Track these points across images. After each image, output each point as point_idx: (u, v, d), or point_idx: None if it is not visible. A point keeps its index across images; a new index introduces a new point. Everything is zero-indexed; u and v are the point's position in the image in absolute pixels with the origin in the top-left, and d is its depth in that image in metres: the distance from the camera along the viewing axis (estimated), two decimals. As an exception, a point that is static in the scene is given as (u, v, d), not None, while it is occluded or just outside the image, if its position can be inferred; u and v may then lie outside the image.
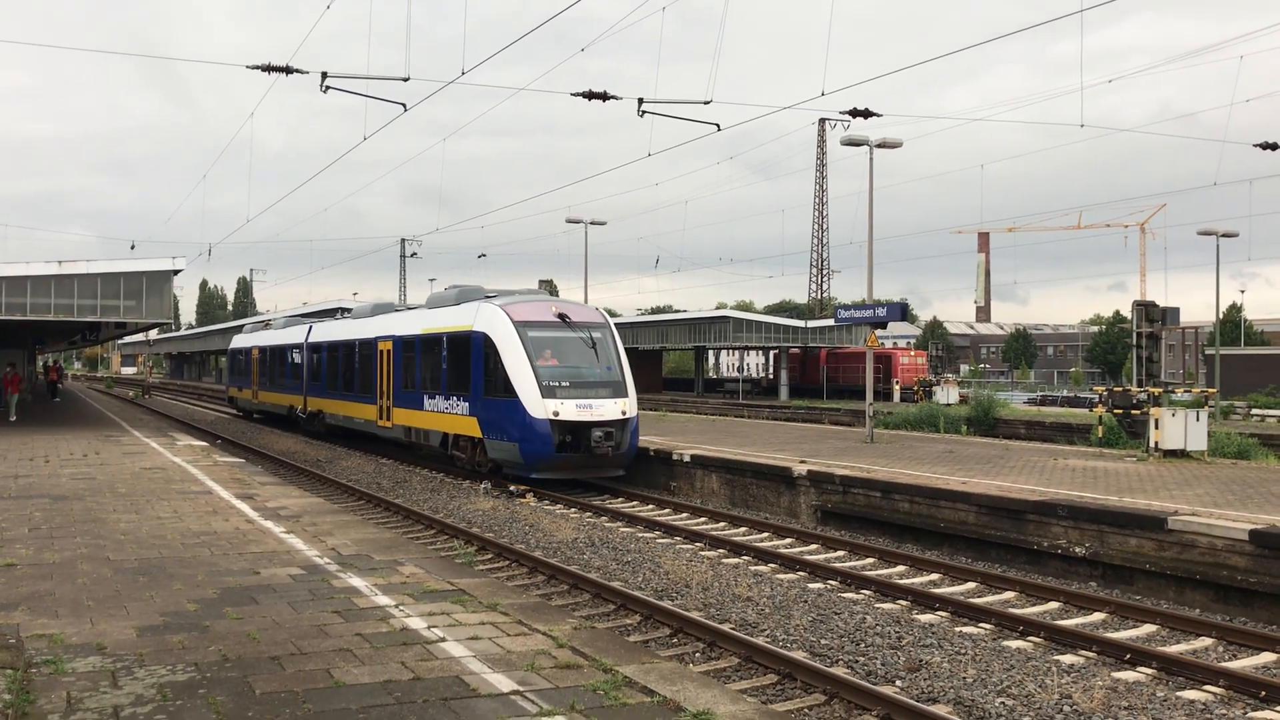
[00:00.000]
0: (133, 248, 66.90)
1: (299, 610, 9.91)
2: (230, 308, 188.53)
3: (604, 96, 20.53)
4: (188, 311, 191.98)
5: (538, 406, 22.91)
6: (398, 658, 8.39)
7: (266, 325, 52.13)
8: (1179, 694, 9.71)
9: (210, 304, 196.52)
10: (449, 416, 26.39)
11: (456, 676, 7.92)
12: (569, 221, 50.79)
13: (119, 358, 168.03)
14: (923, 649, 11.14)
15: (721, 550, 16.79)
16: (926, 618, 12.55)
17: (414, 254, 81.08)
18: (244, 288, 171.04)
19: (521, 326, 23.80)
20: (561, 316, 24.56)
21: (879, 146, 31.55)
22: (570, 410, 22.94)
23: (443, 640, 8.96)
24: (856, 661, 10.78)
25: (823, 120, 54.83)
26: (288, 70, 19.62)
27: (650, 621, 12.46)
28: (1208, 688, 9.93)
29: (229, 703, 7.24)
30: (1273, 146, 27.35)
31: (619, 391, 23.92)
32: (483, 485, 24.39)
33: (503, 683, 7.79)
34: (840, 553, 17.02)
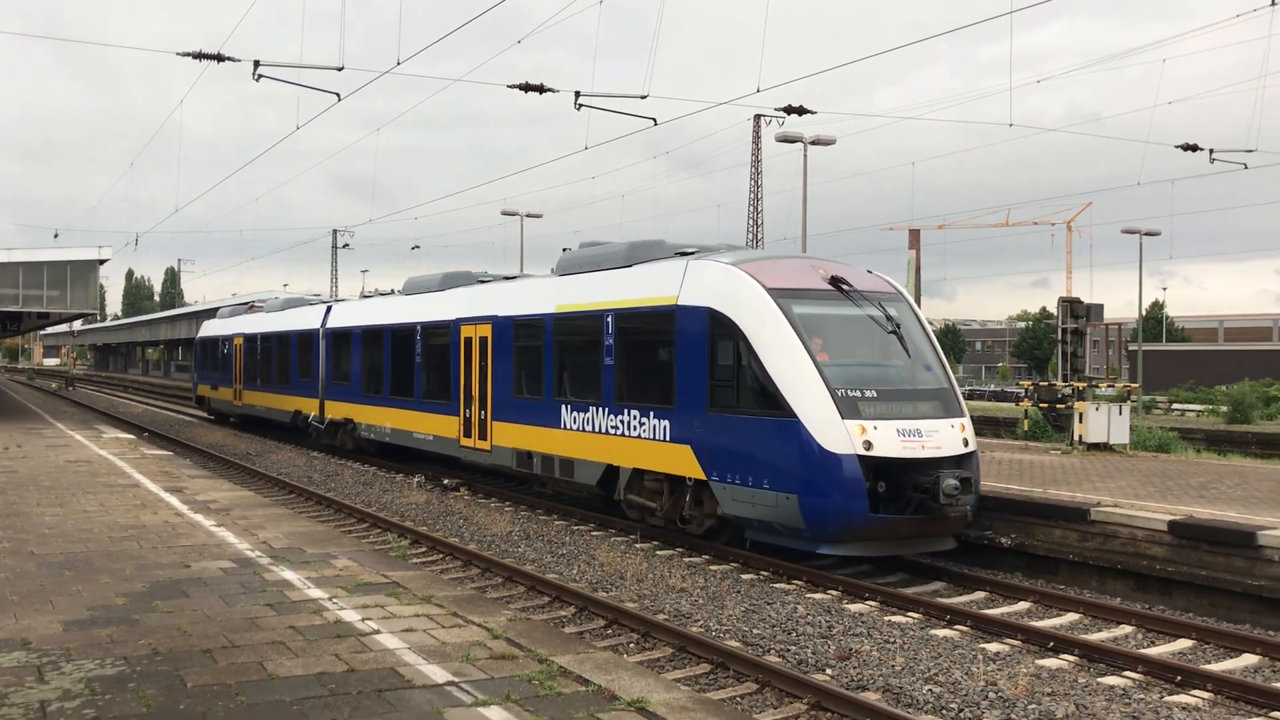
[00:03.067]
0: (55, 236, 65.29)
1: (231, 603, 9.82)
2: (158, 298, 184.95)
3: (540, 89, 20.49)
4: (114, 302, 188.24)
5: (834, 431, 13.47)
6: (331, 650, 8.36)
7: (252, 308, 41.54)
8: (1100, 680, 9.99)
9: (137, 294, 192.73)
10: (623, 442, 16.93)
11: (391, 668, 7.92)
12: (504, 214, 50.62)
13: (41, 349, 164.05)
14: (853, 638, 11.33)
15: (655, 542, 16.90)
16: (856, 607, 12.76)
17: (346, 245, 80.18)
18: (172, 278, 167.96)
19: (781, 298, 14.57)
20: (836, 283, 15.27)
21: (813, 144, 31.91)
22: (889, 439, 13.60)
23: (377, 632, 8.94)
24: (788, 650, 10.93)
25: (758, 116, 55.15)
26: (219, 58, 19.32)
27: (585, 613, 12.52)
28: (1127, 674, 10.23)
29: (160, 696, 7.17)
30: (1193, 148, 28.06)
31: (951, 405, 14.67)
32: (416, 479, 24.21)
33: (438, 674, 7.81)
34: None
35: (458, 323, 22.74)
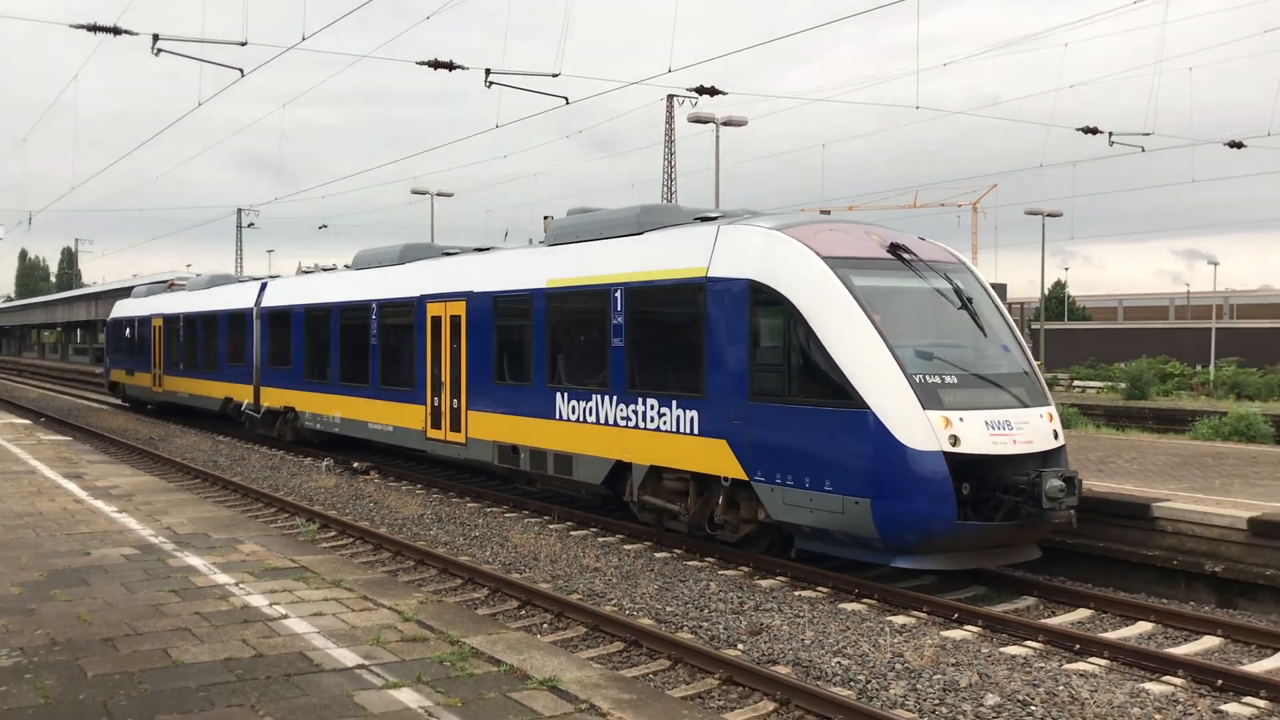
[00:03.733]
0: (-56, 215, 62.72)
1: (133, 590, 9.61)
2: (54, 279, 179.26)
3: (450, 66, 20.23)
4: (6, 283, 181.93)
5: (915, 424, 11.62)
6: (239, 635, 8.23)
7: (171, 286, 38.25)
8: (1002, 650, 10.26)
9: (31, 275, 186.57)
10: (637, 435, 14.83)
11: (300, 653, 7.82)
12: (414, 193, 50.01)
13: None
14: (763, 613, 11.48)
15: (569, 523, 16.90)
16: (767, 583, 12.92)
17: (251, 224, 78.43)
18: (69, 258, 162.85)
19: (840, 268, 12.57)
20: (896, 251, 13.28)
21: (724, 124, 32.09)
22: (977, 433, 11.80)
23: (285, 617, 8.82)
24: (700, 627, 11.04)
25: (671, 97, 55.20)
26: (115, 31, 18.73)
27: (498, 594, 12.49)
28: (1028, 643, 10.52)
29: (59, 686, 7.00)
30: (1094, 131, 28.76)
31: (1036, 392, 12.84)
32: (325, 462, 23.87)
33: (347, 657, 7.74)
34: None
35: (423, 300, 20.25)
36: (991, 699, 8.79)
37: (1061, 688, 9.02)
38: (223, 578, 10.22)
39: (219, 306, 31.01)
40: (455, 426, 19.16)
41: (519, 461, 17.42)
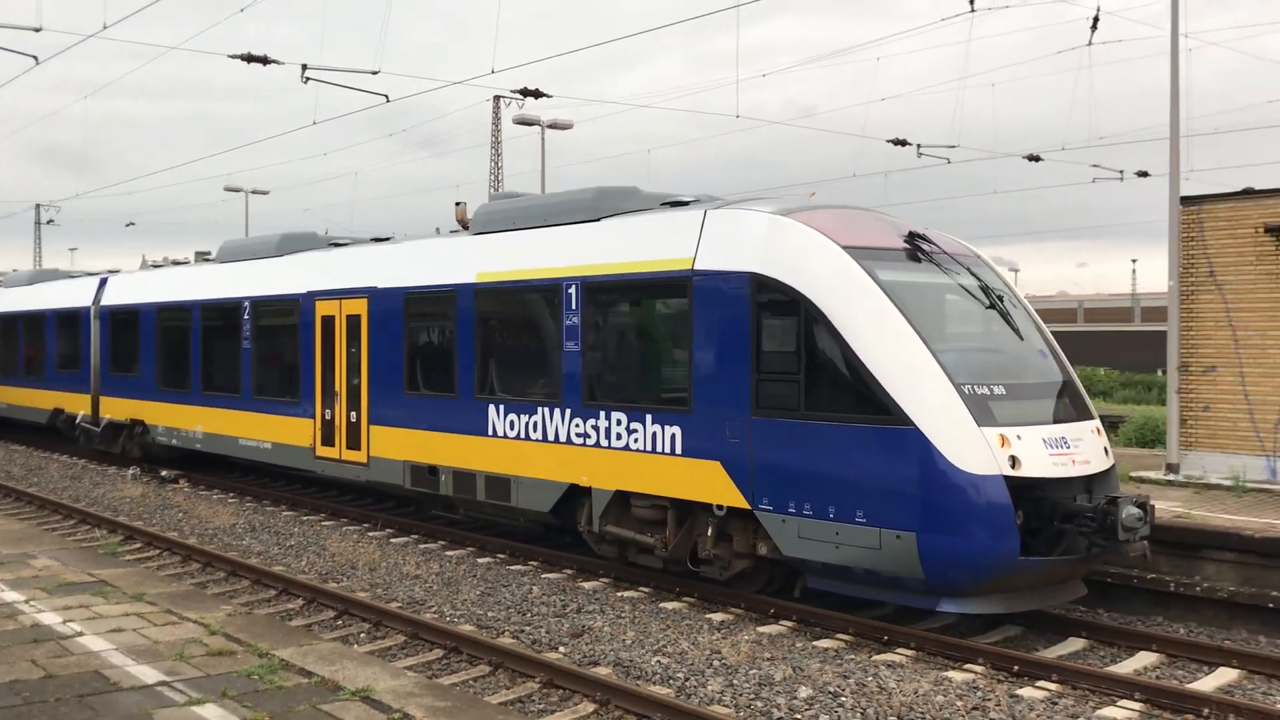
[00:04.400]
0: None
1: (-92, 612, 8.95)
2: None
3: (264, 60, 19.61)
4: None
5: (970, 444, 10.02)
6: (27, 656, 7.76)
7: None
8: (815, 643, 10.55)
9: None
10: (599, 455, 12.79)
11: (95, 671, 7.43)
12: (228, 190, 48.21)
13: None
14: (586, 615, 11.50)
15: (390, 530, 16.59)
16: (590, 585, 12.95)
17: (50, 221, 74.19)
18: None
19: (863, 260, 10.93)
20: (915, 241, 11.68)
21: (550, 127, 32.08)
22: (1037, 453, 10.26)
23: (80, 635, 8.37)
24: (523, 631, 10.98)
25: (497, 98, 54.81)
26: (-107, 10, 17.44)
27: (314, 605, 12.15)
28: (840, 636, 10.85)
29: None
30: (903, 143, 29.92)
31: (1081, 403, 11.40)
32: (131, 470, 22.74)
33: (148, 674, 7.39)
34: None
35: (311, 297, 17.73)
36: (804, 691, 9.03)
37: (870, 678, 9.34)
38: (11, 595, 9.62)
39: (46, 305, 27.46)
40: (354, 444, 16.68)
41: (438, 484, 15.04)
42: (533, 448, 13.62)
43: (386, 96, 21.32)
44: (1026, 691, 9.17)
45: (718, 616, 11.52)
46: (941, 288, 11.42)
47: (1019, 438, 10.16)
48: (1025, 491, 10.08)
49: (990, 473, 9.89)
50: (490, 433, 14.20)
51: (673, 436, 12.00)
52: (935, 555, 9.98)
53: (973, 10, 21.17)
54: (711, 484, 11.60)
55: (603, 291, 12.99)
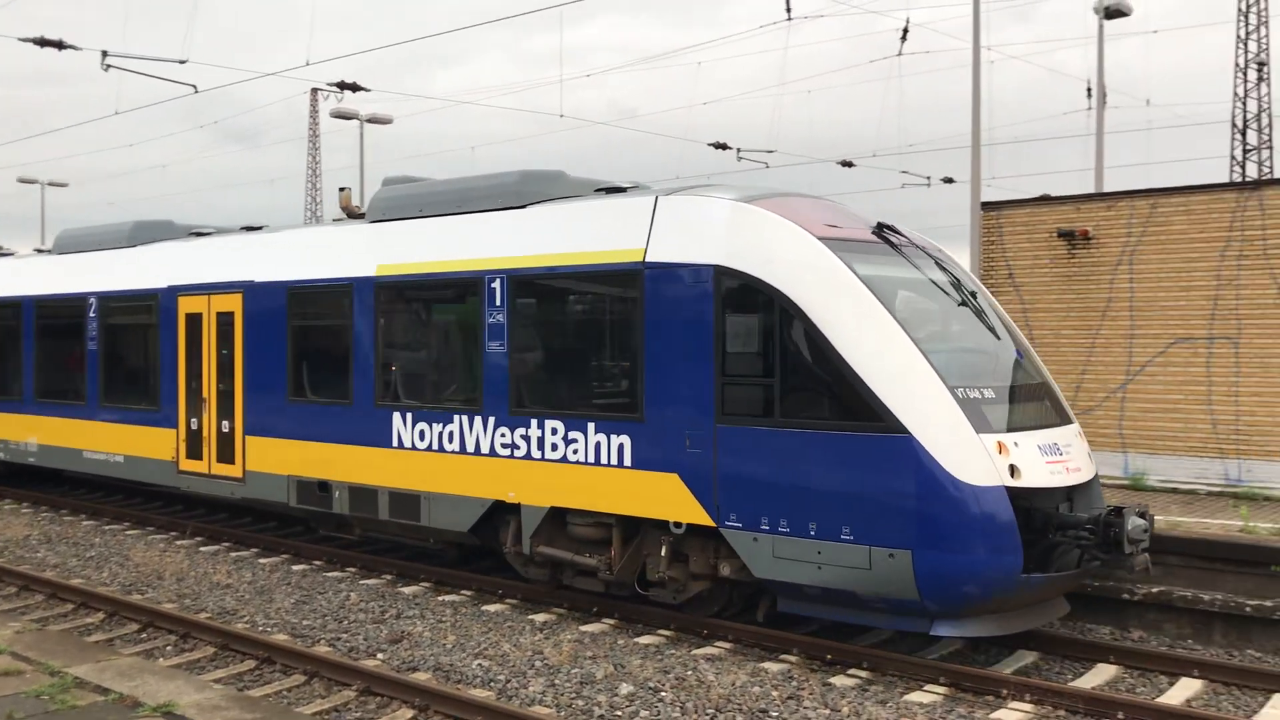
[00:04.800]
0: None
1: None
2: None
3: (59, 45, 18.56)
4: None
5: (969, 452, 9.23)
6: None
7: None
8: (636, 640, 10.62)
9: None
10: (530, 468, 11.62)
11: None
12: (21, 181, 45.45)
13: None
14: (406, 620, 11.29)
15: (200, 539, 15.92)
16: (410, 589, 12.72)
17: None
18: None
19: (841, 253, 10.06)
20: (884, 233, 10.93)
21: (370, 121, 31.42)
22: (1034, 461, 9.58)
23: None
24: (340, 639, 10.70)
25: (315, 90, 53.43)
26: None
27: (116, 619, 11.55)
28: (661, 632, 10.95)
29: None
30: (723, 146, 30.52)
31: (1061, 406, 10.71)
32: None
33: (-77, 700, 6.87)
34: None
35: (172, 292, 15.91)
36: (626, 688, 9.08)
37: (690, 672, 9.46)
38: None
39: None
40: (226, 457, 15.06)
41: (330, 502, 13.57)
42: (449, 461, 12.32)
43: (195, 87, 20.49)
44: (839, 679, 9.45)
45: (540, 617, 11.48)
46: (917, 283, 10.47)
47: (1016, 445, 9.41)
48: (1019, 502, 9.27)
49: (991, 483, 9.06)
50: (395, 444, 12.82)
51: (620, 447, 10.85)
52: (932, 575, 9.09)
53: (789, 19, 21.74)
54: (667, 499, 10.49)
55: (534, 286, 11.77)
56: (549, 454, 11.42)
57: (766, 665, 9.77)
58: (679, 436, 10.43)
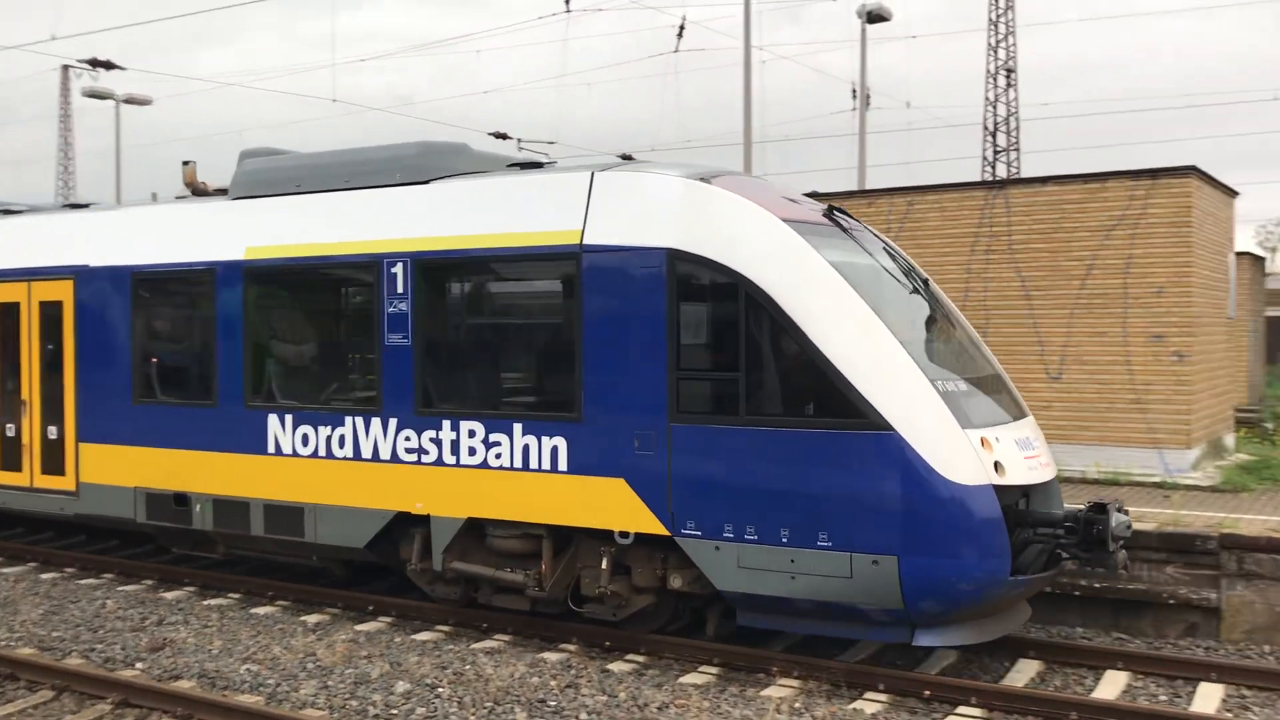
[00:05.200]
0: None
1: None
2: None
3: None
4: None
5: (957, 449, 8.68)
6: None
7: None
8: (413, 637, 10.45)
9: None
10: (442, 475, 10.51)
11: None
12: None
13: None
14: (168, 627, 10.77)
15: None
16: (173, 594, 12.13)
17: None
18: None
19: (809, 236, 9.36)
20: (834, 216, 10.23)
21: (127, 102, 29.74)
22: (1014, 457, 9.06)
23: None
24: (94, 649, 10.10)
25: (66, 68, 50.15)
26: None
27: None
28: (439, 628, 10.82)
29: None
30: (504, 136, 30.31)
31: (1019, 400, 10.23)
32: None
33: None
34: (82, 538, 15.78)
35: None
36: (402, 686, 8.93)
37: (468, 667, 9.38)
38: None
39: None
40: (53, 467, 13.28)
41: (189, 517, 12.06)
42: (340, 469, 11.00)
43: (-75, 58, 18.80)
44: (616, 665, 9.57)
45: (313, 618, 11.15)
46: (875, 270, 9.69)
47: (998, 440, 8.91)
48: (1003, 500, 8.80)
49: (980, 482, 8.54)
50: (272, 450, 11.46)
51: (554, 450, 9.87)
52: (919, 581, 8.53)
53: (569, 10, 21.85)
54: (612, 506, 9.60)
55: (446, 271, 10.58)
56: (465, 459, 10.32)
57: (546, 655, 9.79)
58: (625, 437, 9.53)
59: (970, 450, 8.58)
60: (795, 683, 9.11)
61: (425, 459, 10.54)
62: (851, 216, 10.38)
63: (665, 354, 9.38)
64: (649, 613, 9.99)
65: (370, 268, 10.89)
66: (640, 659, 9.77)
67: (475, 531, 10.43)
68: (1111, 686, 9.19)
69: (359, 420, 10.91)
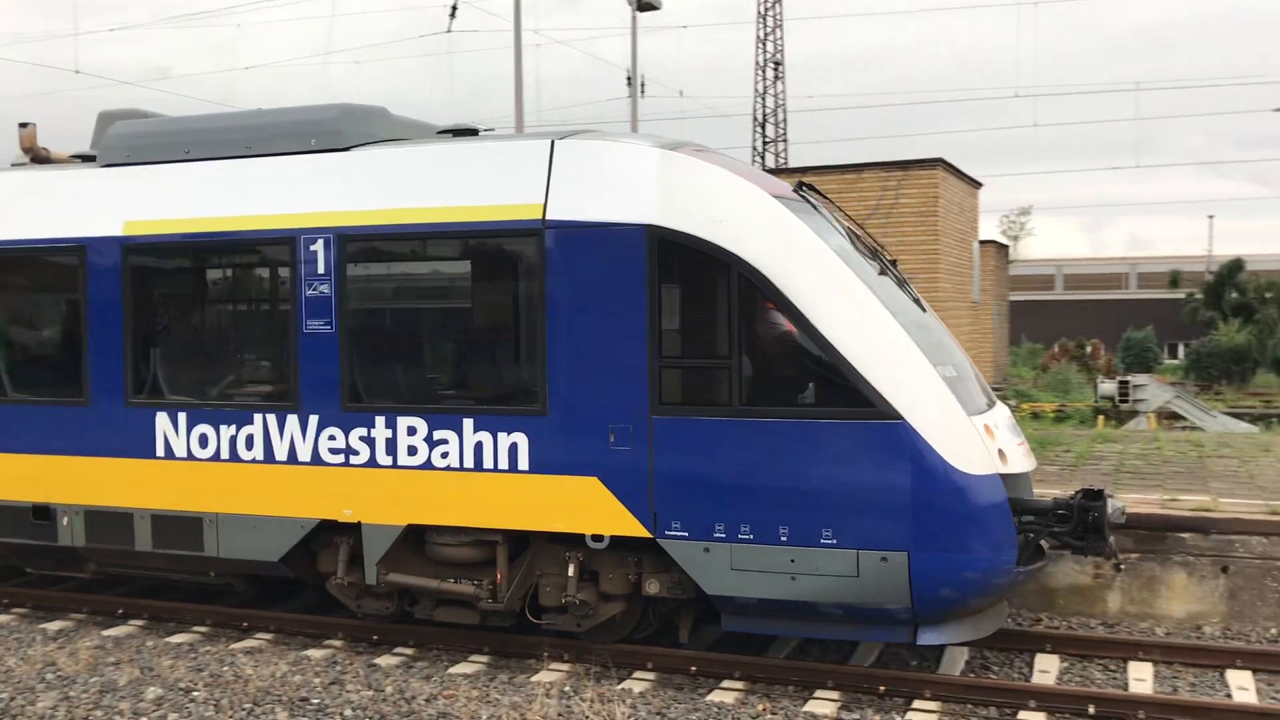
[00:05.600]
0: None
1: None
2: None
3: None
4: None
5: (966, 437, 8.24)
6: None
7: None
8: (167, 640, 9.96)
9: None
10: (375, 478, 9.40)
11: None
12: None
13: None
14: (-115, 643, 9.86)
15: None
16: (-107, 607, 11.13)
17: None
18: None
19: (798, 214, 8.73)
20: (804, 192, 9.46)
21: None
22: (1011, 445, 8.76)
23: None
24: None
25: None
26: None
27: None
28: (195, 629, 10.36)
29: None
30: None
31: (988, 389, 9.71)
32: None
33: None
34: None
35: None
36: (153, 692, 8.46)
37: (226, 668, 8.99)
38: None
39: None
40: None
41: (54, 532, 10.48)
42: (249, 473, 9.75)
43: None
44: (384, 659, 9.39)
45: (54, 625, 10.46)
46: (849, 250, 9.02)
47: (997, 427, 8.61)
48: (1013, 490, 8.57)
49: (988, 471, 8.19)
50: (161, 453, 10.03)
51: (512, 447, 8.94)
52: (930, 578, 8.11)
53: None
54: (583, 508, 8.78)
55: (379, 249, 9.50)
56: (405, 460, 9.26)
57: (310, 653, 9.51)
58: (599, 431, 8.70)
59: (978, 439, 8.22)
60: (565, 666, 9.16)
61: (355, 460, 9.42)
62: (819, 192, 9.63)
63: (645, 340, 8.59)
64: (616, 622, 9.25)
65: (284, 245, 9.60)
66: (409, 651, 9.62)
67: (413, 539, 9.45)
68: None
69: (271, 418, 9.67)
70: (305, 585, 10.58)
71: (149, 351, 10.31)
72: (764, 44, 50.11)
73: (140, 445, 10.13)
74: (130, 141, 10.55)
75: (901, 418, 8.06)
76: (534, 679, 8.85)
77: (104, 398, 10.28)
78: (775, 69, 50.03)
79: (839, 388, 8.23)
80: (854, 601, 8.32)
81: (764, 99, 49.84)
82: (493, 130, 10.49)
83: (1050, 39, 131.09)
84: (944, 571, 8.09)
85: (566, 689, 8.51)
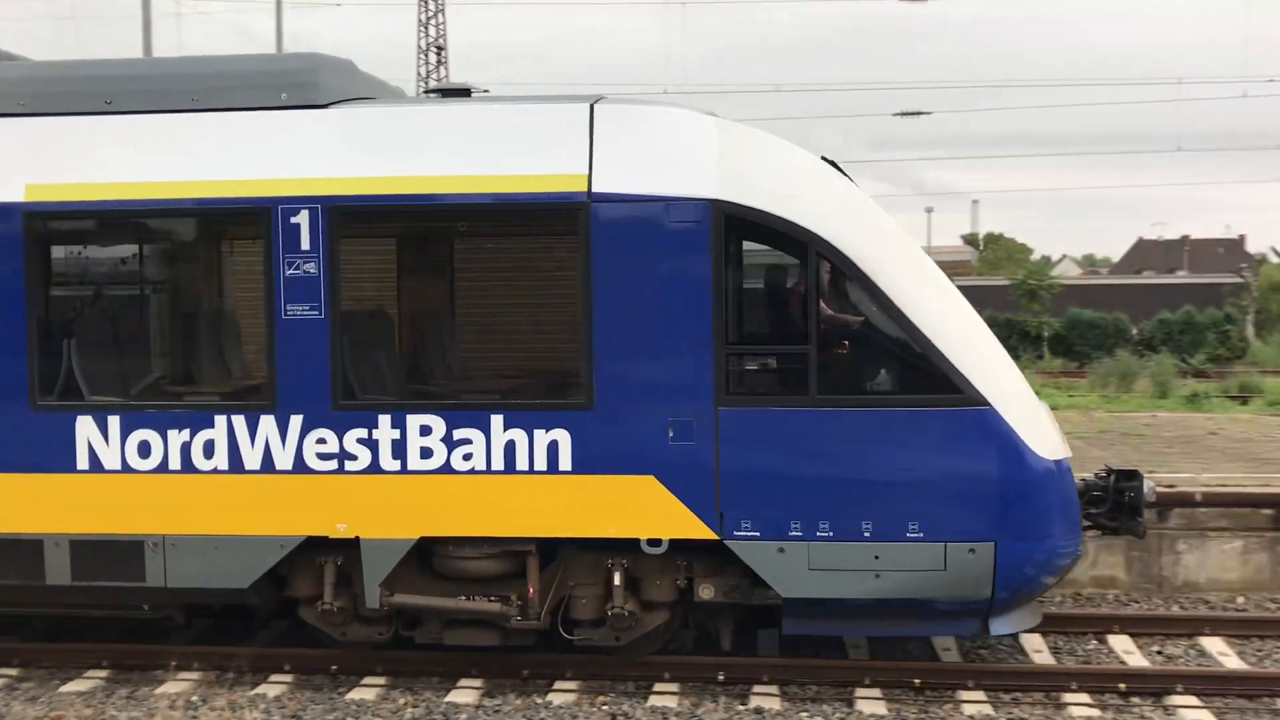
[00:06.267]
0: None
1: None
2: None
3: None
4: None
5: (1041, 422, 8.09)
6: None
7: None
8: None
9: None
10: (381, 487, 7.89)
11: None
12: None
13: None
14: None
15: None
16: None
17: None
18: None
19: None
20: (835, 167, 8.53)
21: None
22: (1056, 435, 8.24)
23: None
24: None
25: None
26: None
27: None
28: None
29: None
30: None
31: None
32: None
33: None
34: None
35: None
36: None
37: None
38: None
39: None
40: None
41: None
42: (208, 486, 8.15)
43: None
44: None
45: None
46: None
47: (1048, 411, 8.50)
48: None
49: (1061, 456, 8.00)
50: (85, 466, 8.23)
51: (553, 445, 7.94)
52: (1013, 566, 7.83)
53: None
54: (638, 510, 7.92)
55: (380, 222, 8.41)
56: (417, 464, 8.02)
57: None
58: (656, 426, 7.88)
59: (1050, 423, 8.15)
60: (195, 675, 8.56)
61: (351, 466, 8.09)
62: (840, 169, 8.81)
63: (710, 326, 7.83)
64: (655, 633, 8.39)
65: (253, 216, 8.13)
66: (12, 673, 8.72)
67: (422, 557, 8.29)
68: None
69: (238, 420, 8.13)
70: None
71: (64, 344, 8.47)
72: (426, 28, 49.52)
73: (54, 458, 8.30)
74: (28, 89, 8.60)
75: (989, 404, 7.75)
76: (158, 691, 8.26)
77: (20, 397, 8.31)
78: (438, 54, 49.57)
79: (927, 374, 7.83)
80: (938, 595, 7.95)
81: (426, 83, 49.25)
82: (486, 91, 9.25)
83: (705, 40, 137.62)
84: (1026, 560, 7.88)
85: (194, 699, 7.96)
